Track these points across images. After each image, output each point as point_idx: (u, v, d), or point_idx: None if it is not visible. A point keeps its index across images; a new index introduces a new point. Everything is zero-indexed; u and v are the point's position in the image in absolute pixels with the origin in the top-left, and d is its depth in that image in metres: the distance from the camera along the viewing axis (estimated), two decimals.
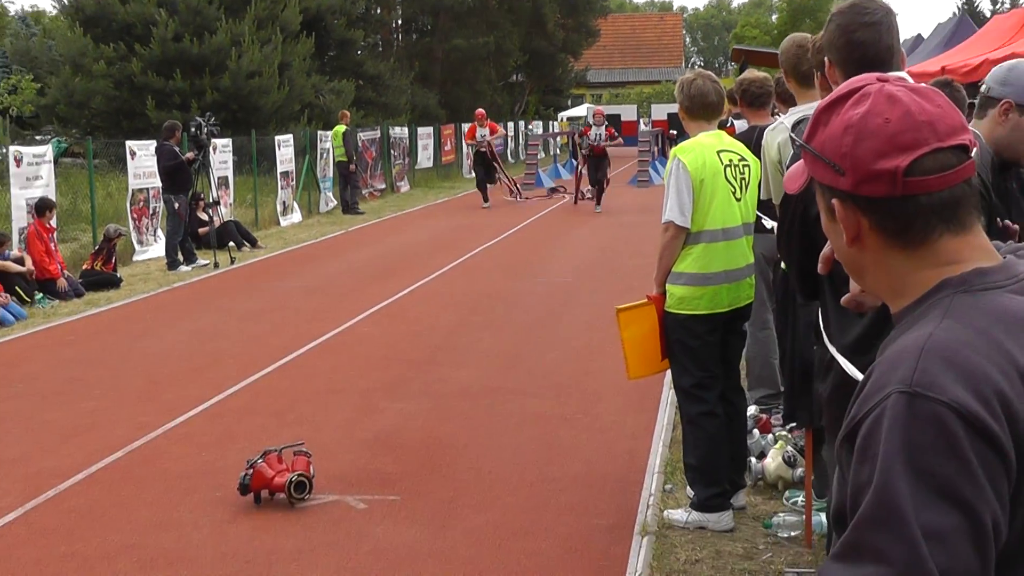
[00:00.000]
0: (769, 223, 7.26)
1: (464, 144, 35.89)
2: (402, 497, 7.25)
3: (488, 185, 30.50)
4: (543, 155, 50.18)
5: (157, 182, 20.13)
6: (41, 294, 16.15)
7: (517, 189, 32.12)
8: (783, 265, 5.67)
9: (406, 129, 37.93)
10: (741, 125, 9.62)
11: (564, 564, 6.13)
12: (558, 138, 52.88)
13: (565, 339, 12.28)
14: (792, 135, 3.27)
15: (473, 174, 32.55)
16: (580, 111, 63.70)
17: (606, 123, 28.83)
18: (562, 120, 64.32)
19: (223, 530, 6.77)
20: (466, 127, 45.81)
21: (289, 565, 6.19)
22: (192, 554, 6.41)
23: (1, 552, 6.58)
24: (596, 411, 9.26)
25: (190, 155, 19.70)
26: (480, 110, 31.76)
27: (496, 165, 30.98)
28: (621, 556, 6.20)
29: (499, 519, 6.83)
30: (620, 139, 30.14)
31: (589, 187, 29.03)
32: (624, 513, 6.87)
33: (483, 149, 30.13)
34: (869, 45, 3.88)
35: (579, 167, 30.31)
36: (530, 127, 54.91)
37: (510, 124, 56.02)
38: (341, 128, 29.18)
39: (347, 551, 6.37)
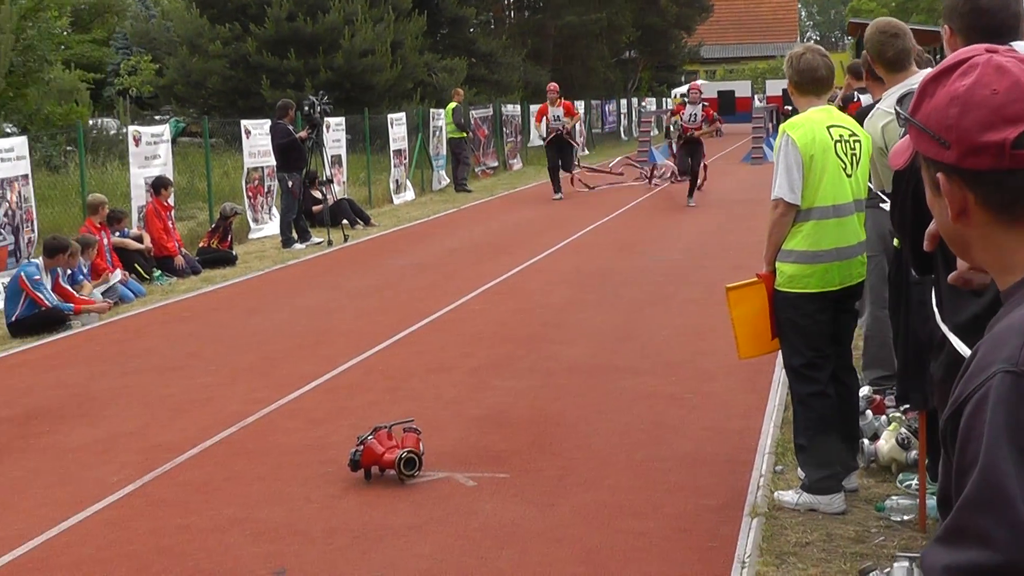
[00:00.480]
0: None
1: (533, 126, 30.12)
2: (511, 474, 7.28)
3: (563, 173, 26.37)
4: (656, 132, 49.95)
5: (272, 161, 20.38)
6: (159, 271, 16.45)
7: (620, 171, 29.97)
8: (896, 241, 5.59)
9: (518, 106, 37.94)
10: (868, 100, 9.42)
11: (672, 544, 6.11)
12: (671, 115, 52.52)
13: (676, 317, 12.22)
14: (897, 108, 3.20)
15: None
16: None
17: (704, 103, 25.31)
18: (675, 97, 63.90)
19: (333, 505, 6.85)
20: (581, 106, 45.89)
21: (397, 540, 6.24)
22: (302, 527, 6.49)
23: (118, 523, 6.72)
24: (707, 390, 9.20)
25: (303, 134, 19.90)
26: (553, 84, 27.01)
27: (571, 147, 27.39)
28: (730, 537, 6.16)
29: (607, 498, 6.82)
30: (719, 123, 26.99)
31: (680, 175, 26.06)
32: (734, 494, 6.82)
33: (557, 131, 25.71)
34: (996, 12, 3.79)
35: (672, 150, 27.96)
36: (643, 104, 54.68)
37: (623, 101, 55.87)
38: (453, 105, 29.29)
39: (456, 527, 6.41)
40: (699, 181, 24.37)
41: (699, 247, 17.52)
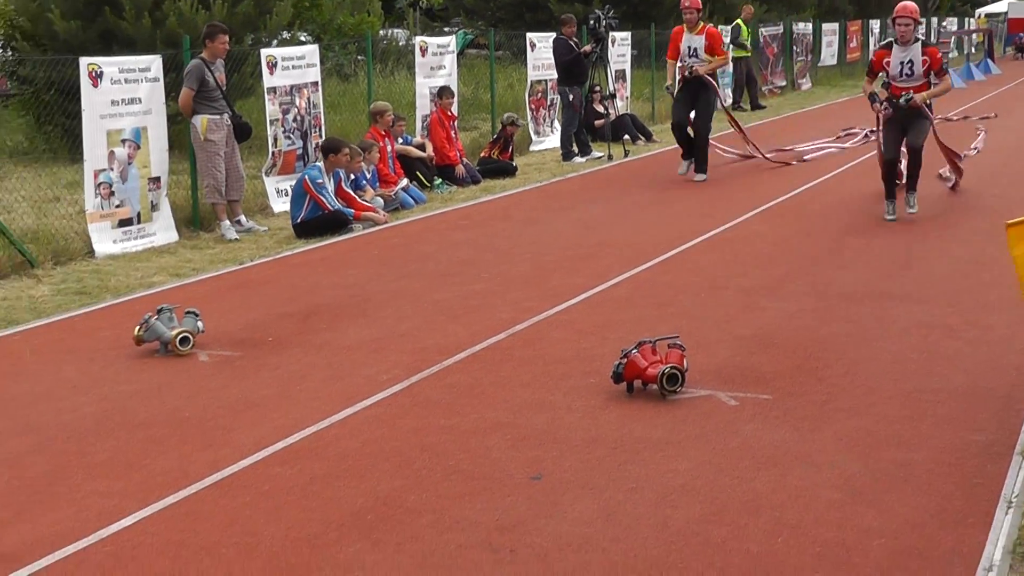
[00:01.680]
0: None
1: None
2: (774, 396, 7.22)
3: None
4: (955, 54, 48.04)
5: (555, 74, 20.49)
6: (440, 179, 16.82)
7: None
8: None
9: (810, 25, 37.03)
10: None
11: (934, 477, 5.97)
12: (973, 36, 50.36)
13: (960, 246, 11.82)
14: None
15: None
16: (1000, 6, 60.41)
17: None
18: (979, 16, 61.25)
19: (594, 415, 6.94)
20: (875, 27, 44.18)
21: (655, 454, 6.29)
22: (562, 435, 6.61)
23: (384, 420, 6.98)
24: (985, 323, 8.89)
25: (587, 48, 19.93)
26: (689, 2, 17.12)
27: (709, 96, 17.14)
28: (997, 475, 5.97)
29: (871, 426, 6.70)
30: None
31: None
32: (1006, 431, 6.60)
33: (687, 75, 16.86)
34: None
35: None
36: (944, 24, 52.57)
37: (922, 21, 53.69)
38: (739, 22, 28.84)
39: (714, 445, 6.42)
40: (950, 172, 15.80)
41: (991, 175, 16.80)
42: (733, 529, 5.32)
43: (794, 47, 34.78)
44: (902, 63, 12.91)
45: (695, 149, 17.02)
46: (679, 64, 16.92)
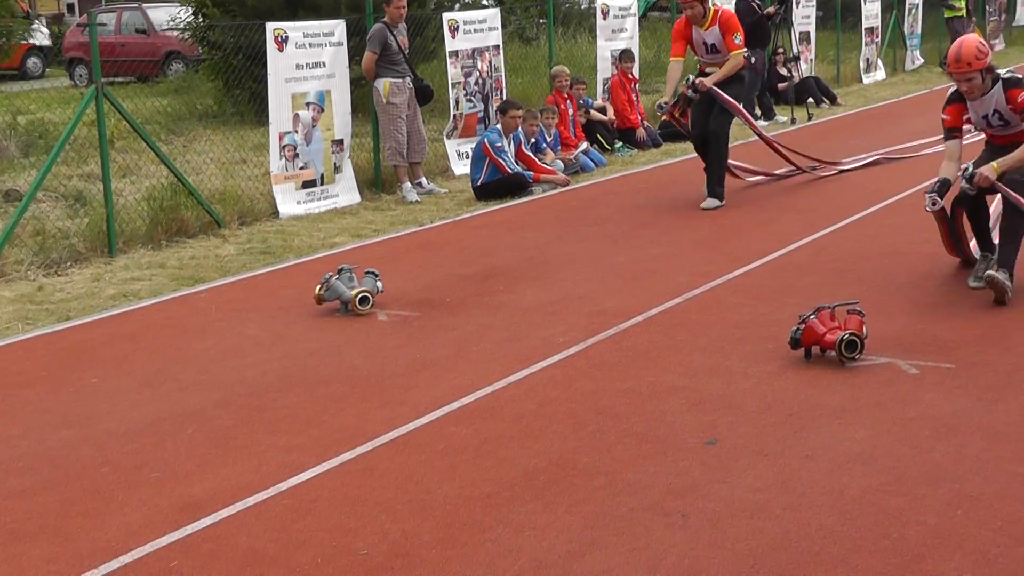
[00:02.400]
0: None
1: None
2: (957, 366, 7.03)
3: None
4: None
5: None
6: (620, 143, 16.77)
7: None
8: None
9: None
10: None
11: None
12: None
13: None
14: None
15: None
16: None
17: None
18: None
19: (770, 381, 6.85)
20: None
21: (832, 421, 6.18)
22: (738, 401, 6.54)
23: (560, 381, 7.00)
24: None
25: (771, 10, 19.61)
26: None
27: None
28: None
29: None
30: None
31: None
32: None
33: (692, 92, 12.69)
34: None
35: None
36: None
37: None
38: None
39: (892, 414, 6.28)
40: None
41: None
42: (910, 500, 5.19)
43: (987, 6, 33.70)
44: (986, 116, 8.79)
45: (707, 166, 12.65)
46: (686, 81, 12.53)
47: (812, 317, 7.21)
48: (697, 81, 12.37)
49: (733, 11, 13.19)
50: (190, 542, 5.05)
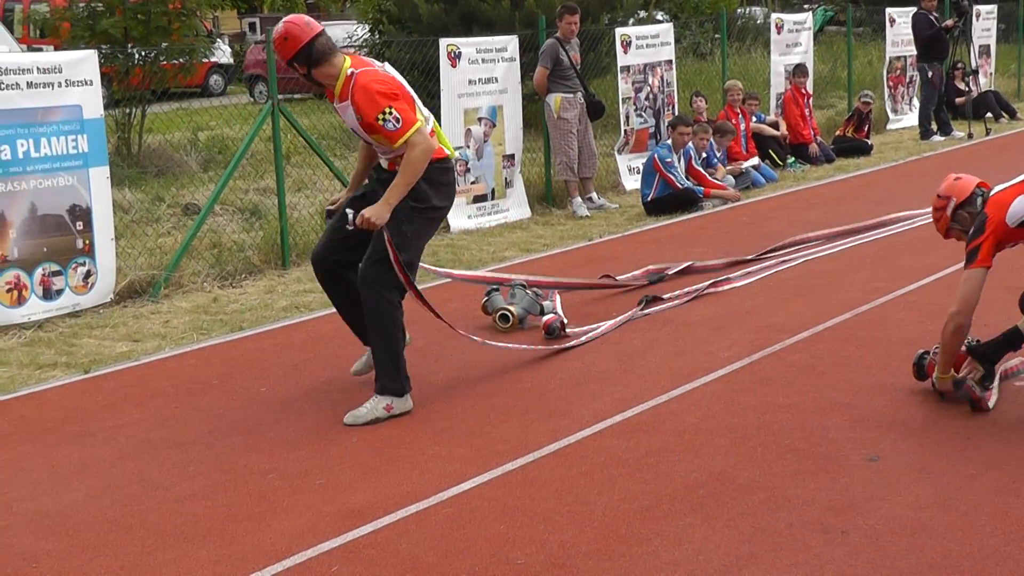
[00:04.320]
0: None
1: None
2: None
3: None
4: None
5: (914, 50, 19.84)
6: (793, 158, 16.60)
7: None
8: None
9: None
10: None
11: None
12: None
13: None
14: None
15: None
16: None
17: None
18: None
19: (935, 399, 6.64)
20: None
21: (998, 441, 5.99)
22: (902, 418, 6.41)
23: (723, 396, 6.95)
24: None
25: (949, 23, 19.21)
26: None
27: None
28: None
29: None
30: None
31: None
32: None
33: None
34: None
35: None
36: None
37: None
38: None
39: None
40: None
41: None
42: None
43: None
44: None
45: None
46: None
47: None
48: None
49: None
50: (351, 548, 5.15)
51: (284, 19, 6.84)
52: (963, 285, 6.34)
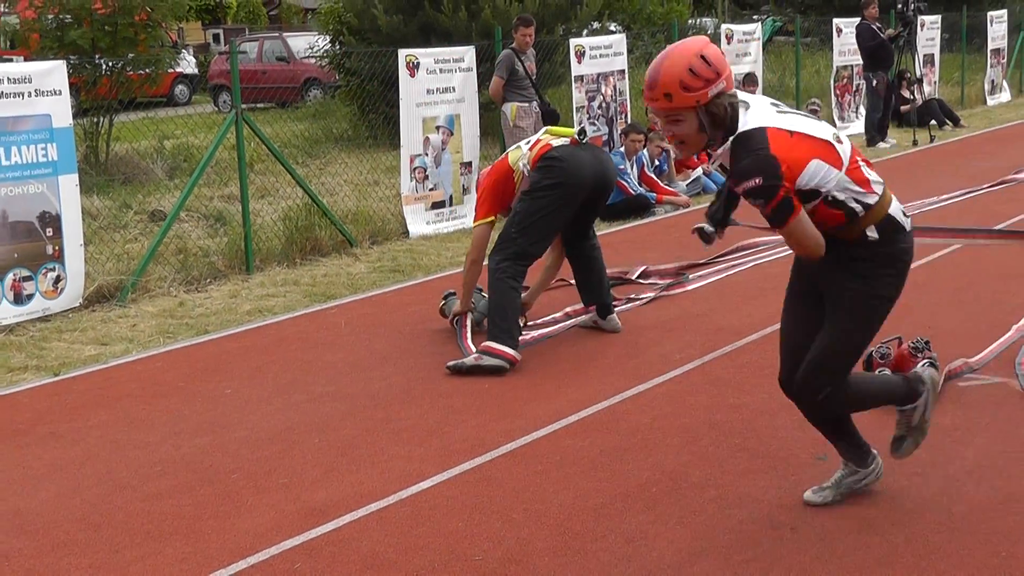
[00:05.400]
0: None
1: None
2: None
3: None
4: None
5: (860, 59, 19.99)
6: None
7: None
8: None
9: None
10: None
11: None
12: None
13: None
14: None
15: None
16: None
17: None
18: None
19: None
20: None
21: (943, 439, 6.05)
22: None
23: (675, 396, 6.98)
24: None
25: (892, 32, 19.35)
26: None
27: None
28: None
29: None
30: None
31: None
32: None
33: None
34: None
35: None
36: None
37: None
38: None
39: (1004, 433, 6.14)
40: None
41: None
42: (1020, 519, 5.09)
43: None
44: None
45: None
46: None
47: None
48: None
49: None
50: (314, 545, 5.14)
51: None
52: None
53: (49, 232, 9.51)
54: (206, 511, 5.58)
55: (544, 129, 8.58)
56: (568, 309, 9.02)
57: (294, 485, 5.85)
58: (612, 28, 25.06)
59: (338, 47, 21.64)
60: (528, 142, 8.38)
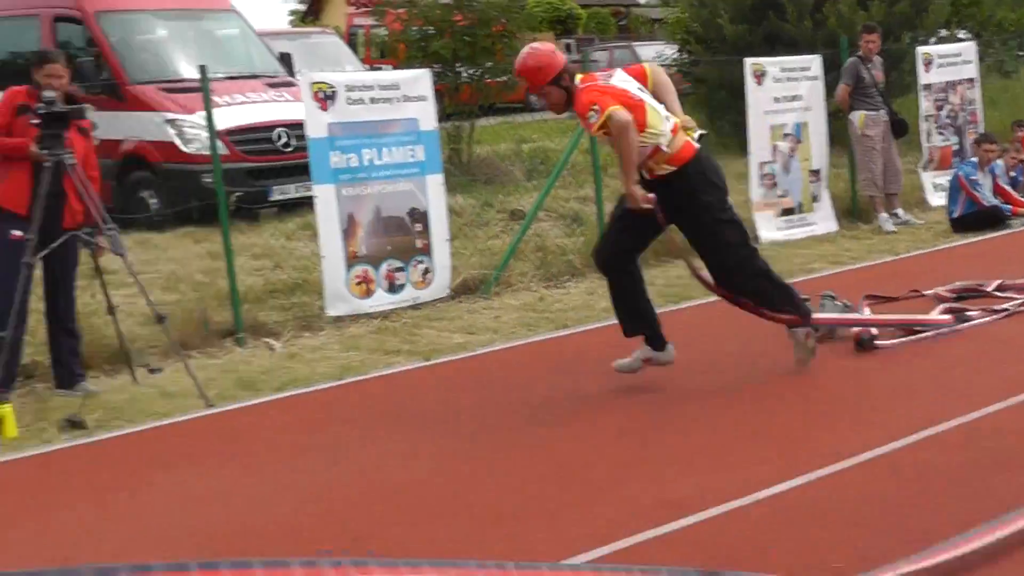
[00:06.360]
0: None
1: None
2: None
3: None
4: None
5: None
6: None
7: None
8: None
9: None
10: None
11: None
12: None
13: None
14: None
15: None
16: None
17: None
18: None
19: None
20: None
21: None
22: None
23: None
24: None
25: None
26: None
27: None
28: None
29: None
30: None
31: None
32: None
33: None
34: None
35: None
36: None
37: None
38: None
39: None
40: None
41: None
42: None
43: None
44: None
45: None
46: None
47: None
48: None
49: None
50: (670, 539, 5.13)
51: (531, 50, 7.29)
52: None
53: (418, 227, 9.98)
54: (567, 498, 5.67)
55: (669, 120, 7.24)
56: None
57: (651, 478, 5.87)
58: (961, 36, 24.01)
59: (685, 56, 21.62)
60: (668, 119, 7.21)
